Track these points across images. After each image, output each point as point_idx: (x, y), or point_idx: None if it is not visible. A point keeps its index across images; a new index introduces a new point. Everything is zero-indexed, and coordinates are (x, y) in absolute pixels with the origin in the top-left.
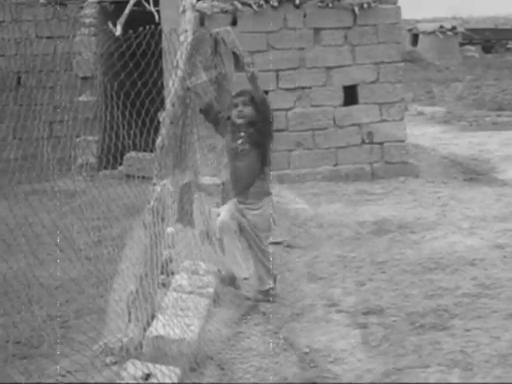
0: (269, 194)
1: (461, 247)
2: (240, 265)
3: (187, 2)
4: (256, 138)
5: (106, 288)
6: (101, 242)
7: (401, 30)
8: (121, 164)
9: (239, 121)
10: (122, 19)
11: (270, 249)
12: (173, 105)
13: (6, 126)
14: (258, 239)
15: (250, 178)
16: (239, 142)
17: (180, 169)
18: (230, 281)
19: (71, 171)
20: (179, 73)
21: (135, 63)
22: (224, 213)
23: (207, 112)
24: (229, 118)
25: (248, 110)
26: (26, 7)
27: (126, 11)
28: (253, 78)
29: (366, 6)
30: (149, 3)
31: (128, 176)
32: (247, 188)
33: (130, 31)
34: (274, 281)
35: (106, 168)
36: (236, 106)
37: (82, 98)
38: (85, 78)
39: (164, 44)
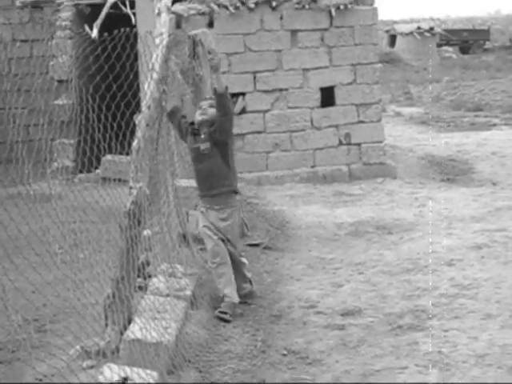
0: (236, 193)
1: (438, 248)
2: (234, 287)
3: (162, 5)
4: (217, 137)
5: (83, 292)
6: (77, 245)
7: (378, 31)
8: (97, 167)
9: (201, 117)
10: (99, 22)
11: (244, 259)
12: (148, 107)
13: None
14: (233, 250)
15: (214, 180)
16: (201, 142)
17: (156, 171)
18: (232, 305)
19: (47, 175)
20: (155, 75)
21: (111, 66)
22: (210, 239)
23: (172, 114)
24: (192, 123)
25: (211, 111)
26: (1, 10)
27: (103, 14)
28: (215, 68)
29: (342, 7)
30: (125, 6)
31: (104, 179)
32: (212, 190)
33: (106, 34)
34: (250, 283)
35: (82, 171)
36: (201, 107)
37: (58, 102)
38: (61, 81)
39: (139, 46)
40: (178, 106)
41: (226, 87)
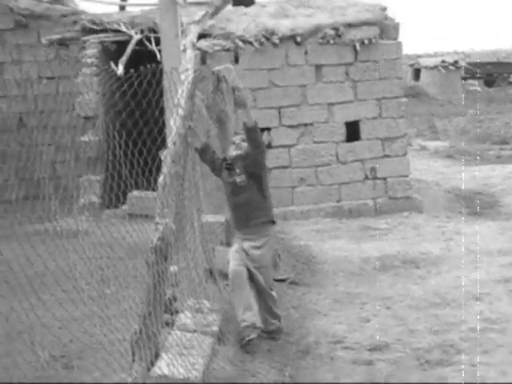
0: (272, 223)
1: (466, 282)
2: (254, 312)
3: (188, 41)
4: (252, 170)
5: (110, 328)
6: (104, 281)
7: (402, 65)
8: (124, 203)
9: (236, 152)
10: (124, 58)
11: (274, 293)
12: (174, 143)
13: (7, 167)
14: (263, 281)
15: (250, 211)
16: (236, 175)
17: (182, 207)
18: (248, 330)
19: (74, 211)
20: (180, 111)
21: (137, 102)
22: (233, 262)
23: (203, 152)
24: (224, 159)
25: (244, 145)
26: (28, 48)
27: (128, 50)
28: (244, 103)
29: (366, 42)
30: (150, 42)
31: (131, 215)
32: (249, 221)
33: (132, 70)
34: (279, 320)
35: (108, 207)
36: (234, 142)
37: (85, 138)
38: (87, 118)
39: (165, 83)
40: (208, 142)
41: (255, 121)
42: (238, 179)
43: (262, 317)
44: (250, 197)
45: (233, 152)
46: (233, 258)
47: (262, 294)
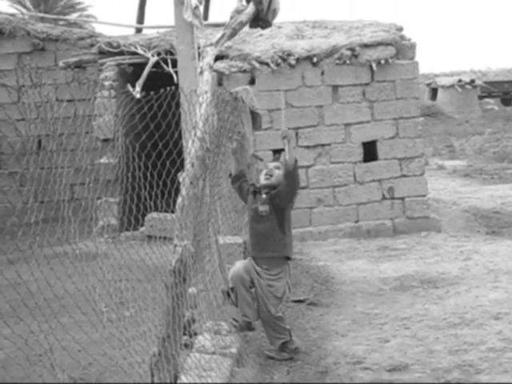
0: (287, 260)
1: (485, 301)
2: (253, 308)
3: (205, 63)
4: (278, 203)
5: (129, 350)
6: (123, 303)
7: (419, 84)
8: (142, 225)
9: (266, 182)
10: (141, 81)
11: (280, 313)
12: (192, 165)
13: (27, 190)
14: (267, 303)
15: (267, 242)
16: (260, 203)
17: (200, 229)
18: (246, 325)
19: (92, 233)
20: (198, 133)
21: (156, 124)
22: (238, 265)
23: (237, 179)
24: (252, 184)
25: (277, 173)
26: (45, 71)
27: (145, 73)
28: (288, 139)
29: (383, 62)
30: (167, 64)
31: (150, 237)
32: (264, 252)
33: (152, 92)
34: (290, 334)
35: (127, 229)
36: (267, 167)
37: (103, 160)
38: (105, 140)
39: (184, 105)
40: (244, 171)
41: (296, 160)
42: (261, 208)
43: (269, 339)
44: (269, 228)
45: (263, 181)
46: (240, 263)
47: (265, 315)
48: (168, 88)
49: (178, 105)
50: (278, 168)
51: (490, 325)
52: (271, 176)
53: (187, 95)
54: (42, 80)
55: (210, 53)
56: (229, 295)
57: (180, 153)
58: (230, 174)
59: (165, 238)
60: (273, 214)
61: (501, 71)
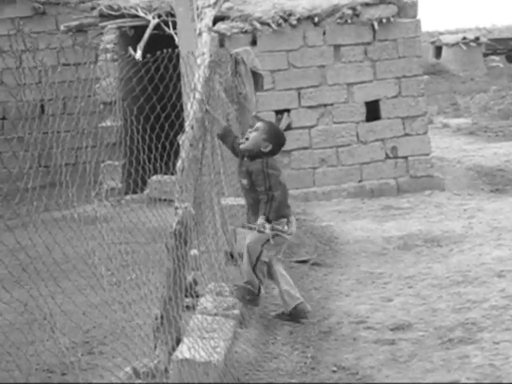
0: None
1: (488, 259)
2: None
3: (203, 25)
4: (254, 179)
5: (130, 313)
6: (123, 267)
7: (421, 43)
8: (145, 188)
9: (242, 146)
10: (142, 44)
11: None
12: (192, 127)
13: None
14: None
15: (254, 213)
16: (242, 176)
17: (201, 191)
18: (247, 292)
19: (98, 196)
20: (197, 95)
21: (154, 87)
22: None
23: (224, 137)
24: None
25: (253, 135)
26: (45, 35)
27: (146, 35)
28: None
29: (385, 20)
30: (168, 27)
31: (153, 199)
32: (251, 222)
33: (149, 55)
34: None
35: (133, 192)
36: (250, 126)
37: (105, 124)
38: (106, 104)
39: (182, 67)
40: (228, 127)
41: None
42: (243, 181)
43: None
44: (253, 201)
45: (241, 145)
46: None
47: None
48: (167, 50)
49: (176, 67)
50: (256, 130)
51: (493, 282)
52: (247, 139)
53: (185, 57)
54: (37, 45)
55: (209, 14)
56: (232, 256)
57: (178, 116)
58: (218, 134)
59: (169, 200)
60: (254, 187)
61: (506, 28)
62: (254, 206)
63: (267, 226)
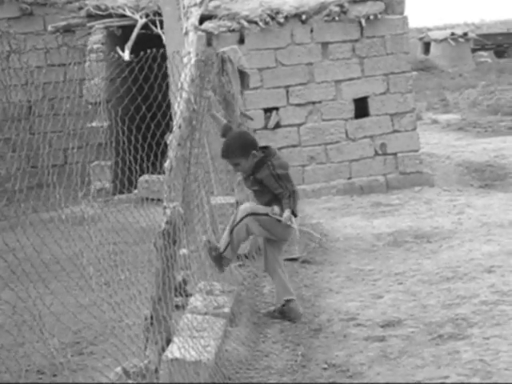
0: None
1: (478, 255)
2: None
3: (189, 24)
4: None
5: (119, 314)
6: (112, 268)
7: (409, 39)
8: (135, 188)
9: (240, 177)
10: (130, 43)
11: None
12: (179, 127)
13: (17, 156)
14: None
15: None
16: (249, 185)
17: (189, 190)
18: (214, 250)
19: (81, 198)
20: (184, 95)
21: (140, 87)
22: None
23: (226, 134)
24: None
25: (241, 165)
26: (33, 36)
27: (133, 35)
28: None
29: (372, 17)
30: (156, 26)
31: (142, 199)
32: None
33: (132, 55)
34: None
35: (121, 192)
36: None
37: (94, 124)
38: (94, 104)
39: (168, 67)
40: (227, 124)
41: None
42: (252, 188)
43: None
44: (265, 201)
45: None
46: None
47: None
48: (151, 51)
49: (161, 67)
50: (236, 165)
51: (482, 278)
52: (238, 171)
53: (171, 57)
54: (23, 46)
55: (195, 13)
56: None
57: (165, 115)
58: (222, 135)
59: (158, 199)
60: (266, 187)
61: (494, 23)
62: (271, 203)
63: (293, 219)
